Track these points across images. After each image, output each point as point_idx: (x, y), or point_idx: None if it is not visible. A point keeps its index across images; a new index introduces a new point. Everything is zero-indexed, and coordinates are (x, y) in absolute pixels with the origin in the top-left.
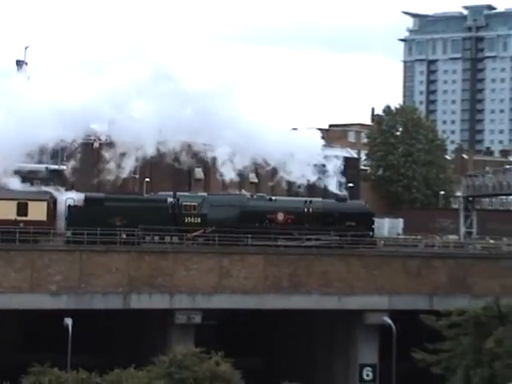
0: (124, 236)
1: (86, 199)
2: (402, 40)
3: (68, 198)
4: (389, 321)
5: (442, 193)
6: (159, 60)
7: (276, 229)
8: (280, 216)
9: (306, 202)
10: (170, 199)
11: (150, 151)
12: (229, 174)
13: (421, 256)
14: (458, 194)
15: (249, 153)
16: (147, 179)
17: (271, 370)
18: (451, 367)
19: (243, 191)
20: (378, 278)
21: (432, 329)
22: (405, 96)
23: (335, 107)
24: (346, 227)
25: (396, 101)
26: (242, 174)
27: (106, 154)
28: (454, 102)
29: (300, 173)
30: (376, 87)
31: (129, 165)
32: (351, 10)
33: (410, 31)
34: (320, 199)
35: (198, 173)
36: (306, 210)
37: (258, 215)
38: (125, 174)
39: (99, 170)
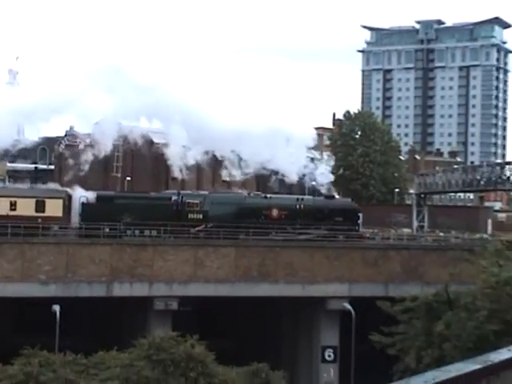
0: (107, 230)
1: (98, 197)
2: (360, 51)
3: (82, 195)
4: (348, 306)
5: (396, 190)
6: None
7: (271, 224)
8: (274, 212)
9: (297, 199)
10: (174, 197)
11: (109, 147)
12: (177, 172)
13: (377, 248)
14: (411, 191)
15: (202, 146)
16: (128, 178)
17: (242, 352)
18: (405, 348)
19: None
20: (339, 268)
21: (387, 313)
22: (363, 102)
23: (300, 112)
24: (335, 222)
25: (355, 106)
26: (199, 169)
27: (66, 152)
28: (407, 107)
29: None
30: (337, 94)
31: (88, 160)
32: (317, 24)
33: (368, 43)
34: (311, 197)
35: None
36: (298, 206)
37: (254, 212)
38: (83, 172)
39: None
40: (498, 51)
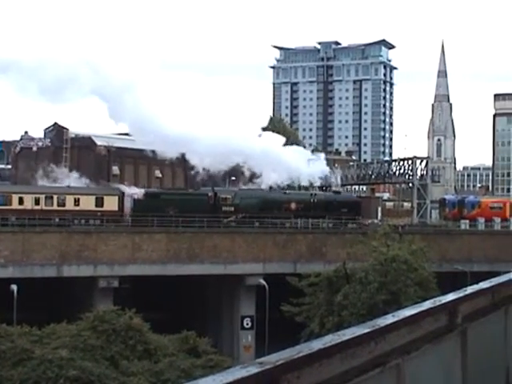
0: (57, 220)
1: (146, 193)
2: (271, 67)
3: (133, 193)
4: (263, 282)
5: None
6: None
7: (289, 215)
8: (292, 205)
9: (311, 194)
10: (210, 193)
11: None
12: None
13: (287, 232)
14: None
15: None
16: (76, 175)
17: (173, 322)
18: (310, 316)
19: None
20: (255, 250)
21: (296, 287)
22: (274, 110)
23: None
24: (341, 213)
25: (267, 113)
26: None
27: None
28: (311, 114)
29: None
30: (252, 103)
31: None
32: (235, 45)
33: (278, 60)
34: (322, 192)
35: (115, 170)
36: (311, 200)
37: (276, 204)
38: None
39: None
40: (385, 68)
